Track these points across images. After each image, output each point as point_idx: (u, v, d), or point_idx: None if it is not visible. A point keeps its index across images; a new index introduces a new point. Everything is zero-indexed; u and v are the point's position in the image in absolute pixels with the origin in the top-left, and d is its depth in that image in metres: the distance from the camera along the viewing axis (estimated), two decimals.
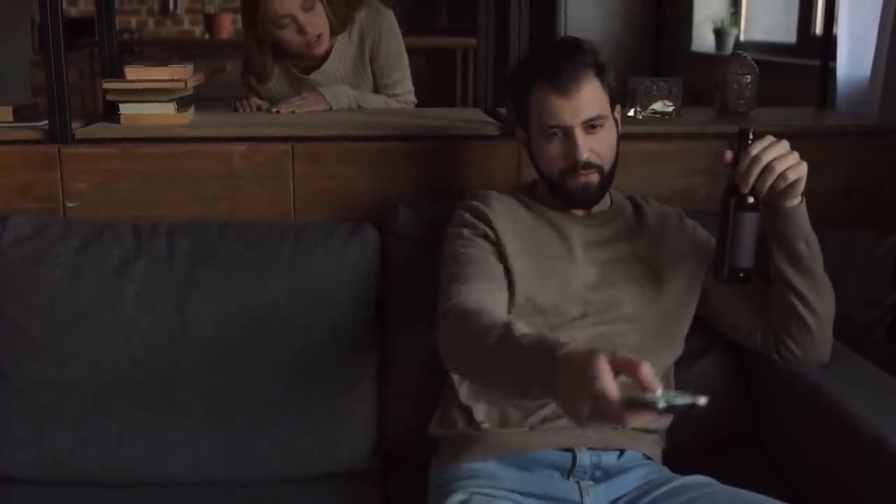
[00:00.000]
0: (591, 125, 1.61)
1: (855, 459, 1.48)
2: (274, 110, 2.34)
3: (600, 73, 1.63)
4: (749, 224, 1.52)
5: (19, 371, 1.71)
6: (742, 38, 4.62)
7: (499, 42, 2.47)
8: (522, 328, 1.34)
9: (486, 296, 1.53)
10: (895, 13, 2.84)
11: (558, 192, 1.67)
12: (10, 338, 1.73)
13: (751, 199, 1.52)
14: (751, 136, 1.52)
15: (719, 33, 4.58)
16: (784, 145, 1.51)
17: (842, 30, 3.00)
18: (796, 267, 1.59)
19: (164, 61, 2.27)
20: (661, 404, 1.07)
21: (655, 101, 2.18)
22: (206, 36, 5.68)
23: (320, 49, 2.40)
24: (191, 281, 1.77)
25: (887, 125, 2.26)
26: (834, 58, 2.62)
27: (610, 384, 1.10)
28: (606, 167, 1.65)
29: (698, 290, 1.72)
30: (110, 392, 1.71)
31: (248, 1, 2.35)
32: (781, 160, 1.49)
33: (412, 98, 2.58)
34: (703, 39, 4.73)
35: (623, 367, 1.12)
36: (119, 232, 1.84)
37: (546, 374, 1.20)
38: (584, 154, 1.61)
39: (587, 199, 1.67)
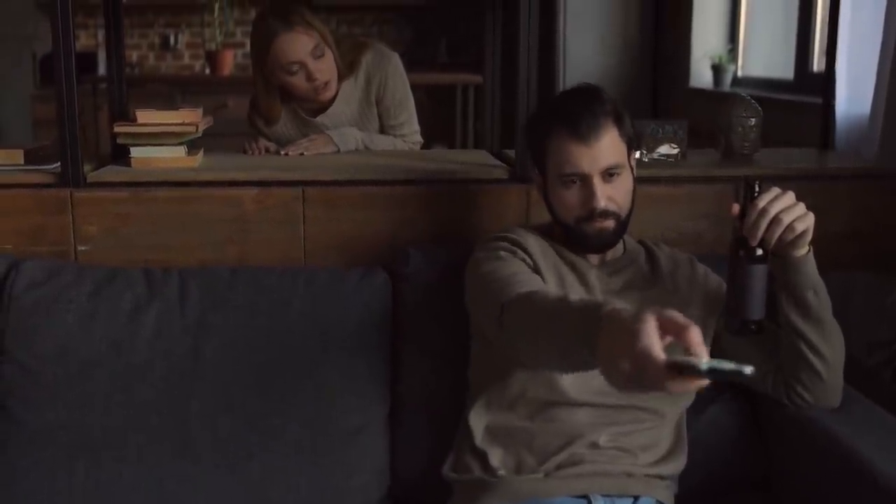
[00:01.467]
0: (608, 173, 1.63)
1: None
2: (283, 152, 2.36)
3: (618, 121, 1.65)
4: (759, 276, 1.52)
5: (31, 417, 1.71)
6: (740, 73, 4.66)
7: (504, 82, 2.50)
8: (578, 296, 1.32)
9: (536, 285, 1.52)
10: (894, 52, 2.88)
11: (573, 236, 1.68)
12: (23, 383, 1.73)
13: (759, 252, 1.52)
14: (757, 188, 1.52)
15: (717, 69, 4.61)
16: (790, 196, 1.51)
17: (840, 68, 3.04)
18: (805, 316, 1.60)
19: (166, 97, 2.30)
20: (705, 366, 0.99)
21: (661, 143, 2.20)
22: (207, 71, 5.72)
23: (328, 95, 2.43)
24: (203, 326, 1.78)
25: (888, 168, 2.28)
26: (843, 97, 2.65)
27: (655, 342, 1.02)
28: (623, 214, 1.66)
29: (711, 335, 1.72)
30: (123, 438, 1.71)
31: (259, 46, 2.37)
32: (788, 212, 1.50)
33: (418, 138, 2.60)
34: (701, 75, 4.76)
35: (670, 329, 1.04)
36: (131, 277, 1.85)
37: (589, 331, 1.14)
38: (602, 202, 1.62)
39: (602, 244, 1.68)
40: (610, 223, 1.66)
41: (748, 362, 1.69)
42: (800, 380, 1.65)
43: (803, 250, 1.56)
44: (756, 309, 1.53)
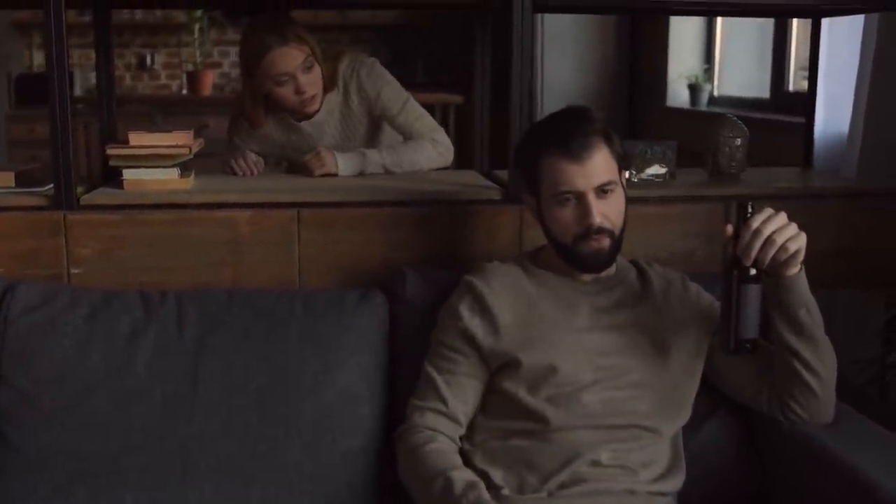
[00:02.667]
0: (602, 190, 1.65)
1: None
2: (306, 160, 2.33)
3: (608, 139, 1.68)
4: (753, 296, 1.55)
5: (30, 443, 1.70)
6: (716, 93, 4.73)
7: (490, 103, 2.52)
8: (461, 477, 1.53)
9: (442, 420, 1.67)
10: (871, 73, 2.94)
11: (570, 256, 1.70)
12: (20, 409, 1.72)
13: (753, 272, 1.54)
14: (750, 209, 1.55)
15: (694, 89, 4.68)
16: (783, 217, 1.55)
17: (817, 88, 3.09)
18: (798, 334, 1.62)
19: (146, 118, 2.31)
20: None
21: (650, 164, 2.23)
22: (184, 92, 5.71)
23: (313, 107, 2.44)
24: (201, 349, 1.77)
25: (872, 187, 2.33)
26: (820, 117, 2.70)
27: None
28: (617, 231, 1.69)
29: (704, 353, 1.75)
30: (123, 463, 1.69)
31: (251, 56, 2.37)
32: (781, 232, 1.53)
33: (430, 121, 2.54)
34: (678, 94, 4.83)
35: None
36: (127, 300, 1.84)
37: None
38: (598, 219, 1.65)
39: (599, 263, 1.70)
40: (606, 241, 1.68)
41: (741, 380, 1.74)
42: (793, 396, 1.67)
43: (795, 269, 1.59)
44: (750, 328, 1.56)
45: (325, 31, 5.99)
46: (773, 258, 1.54)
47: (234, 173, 2.40)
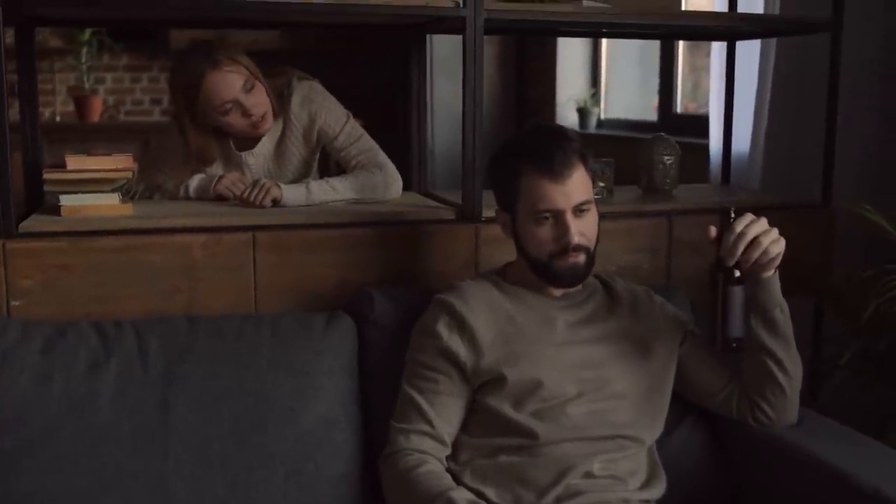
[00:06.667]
0: (579, 209, 1.68)
1: None
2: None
3: (583, 158, 1.71)
4: (738, 297, 1.64)
5: None
6: (603, 116, 4.87)
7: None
8: (463, 497, 1.51)
9: (429, 442, 1.65)
10: (770, 94, 3.11)
11: (546, 272, 1.72)
12: None
13: (737, 273, 1.62)
14: (732, 214, 1.62)
15: (582, 112, 4.81)
16: (764, 222, 1.62)
17: (714, 111, 3.24)
18: (773, 333, 1.70)
19: None
20: None
21: (594, 182, 2.27)
22: (58, 119, 5.46)
23: (265, 127, 2.29)
24: (169, 379, 1.70)
25: (796, 200, 2.45)
26: (716, 136, 2.83)
27: None
28: (592, 247, 1.72)
29: (675, 362, 1.79)
30: (97, 502, 1.60)
31: (187, 87, 2.24)
32: (765, 235, 1.60)
33: (373, 146, 2.34)
34: (567, 118, 4.94)
35: None
36: (82, 331, 1.74)
37: None
38: (576, 238, 1.67)
39: (574, 278, 1.73)
40: (581, 257, 1.71)
41: (711, 386, 1.79)
42: (765, 396, 1.74)
43: (772, 271, 1.67)
44: (737, 327, 1.64)
45: None
46: (756, 261, 1.61)
47: (225, 198, 2.23)
